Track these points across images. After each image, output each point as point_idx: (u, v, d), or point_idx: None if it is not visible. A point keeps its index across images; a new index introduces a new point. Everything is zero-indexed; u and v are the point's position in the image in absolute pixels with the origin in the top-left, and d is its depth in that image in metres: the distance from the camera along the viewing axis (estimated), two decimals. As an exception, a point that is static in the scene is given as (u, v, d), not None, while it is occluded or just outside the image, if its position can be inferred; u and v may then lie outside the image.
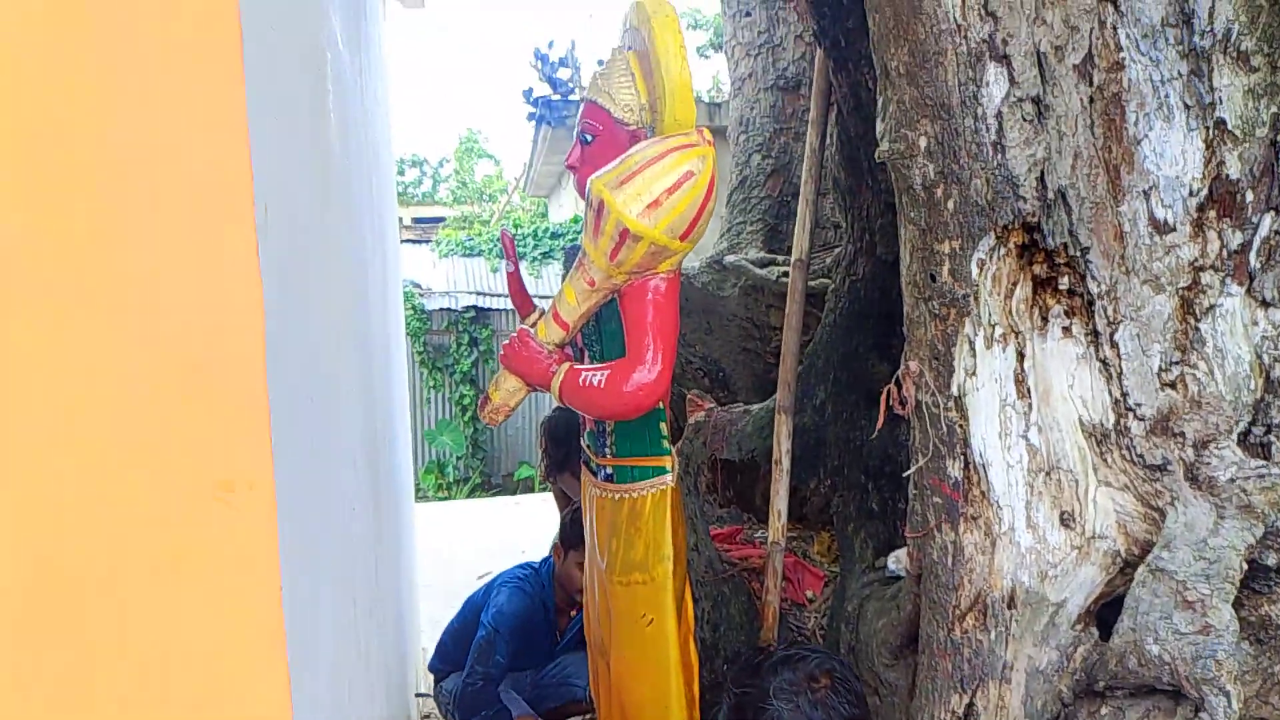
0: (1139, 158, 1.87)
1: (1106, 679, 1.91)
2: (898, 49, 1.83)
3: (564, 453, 3.02)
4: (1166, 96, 1.81)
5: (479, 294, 10.60)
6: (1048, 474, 2.01)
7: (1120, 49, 1.76)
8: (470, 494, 10.19)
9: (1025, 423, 2.01)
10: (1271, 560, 1.82)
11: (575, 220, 10.81)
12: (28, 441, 0.88)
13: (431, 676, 2.99)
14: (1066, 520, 2.00)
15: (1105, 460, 2.00)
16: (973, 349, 1.95)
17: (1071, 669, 1.99)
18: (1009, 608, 1.99)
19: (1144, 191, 1.85)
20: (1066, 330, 1.99)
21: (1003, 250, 1.88)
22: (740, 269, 3.41)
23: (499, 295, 10.45)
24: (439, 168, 19.59)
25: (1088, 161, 1.84)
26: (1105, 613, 2.01)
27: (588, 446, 1.92)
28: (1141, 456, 1.96)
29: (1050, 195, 1.83)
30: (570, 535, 2.59)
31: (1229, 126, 1.79)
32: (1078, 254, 1.88)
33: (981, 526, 2.01)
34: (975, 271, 1.89)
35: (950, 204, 1.80)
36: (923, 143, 1.78)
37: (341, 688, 1.38)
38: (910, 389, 2.00)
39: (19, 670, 0.89)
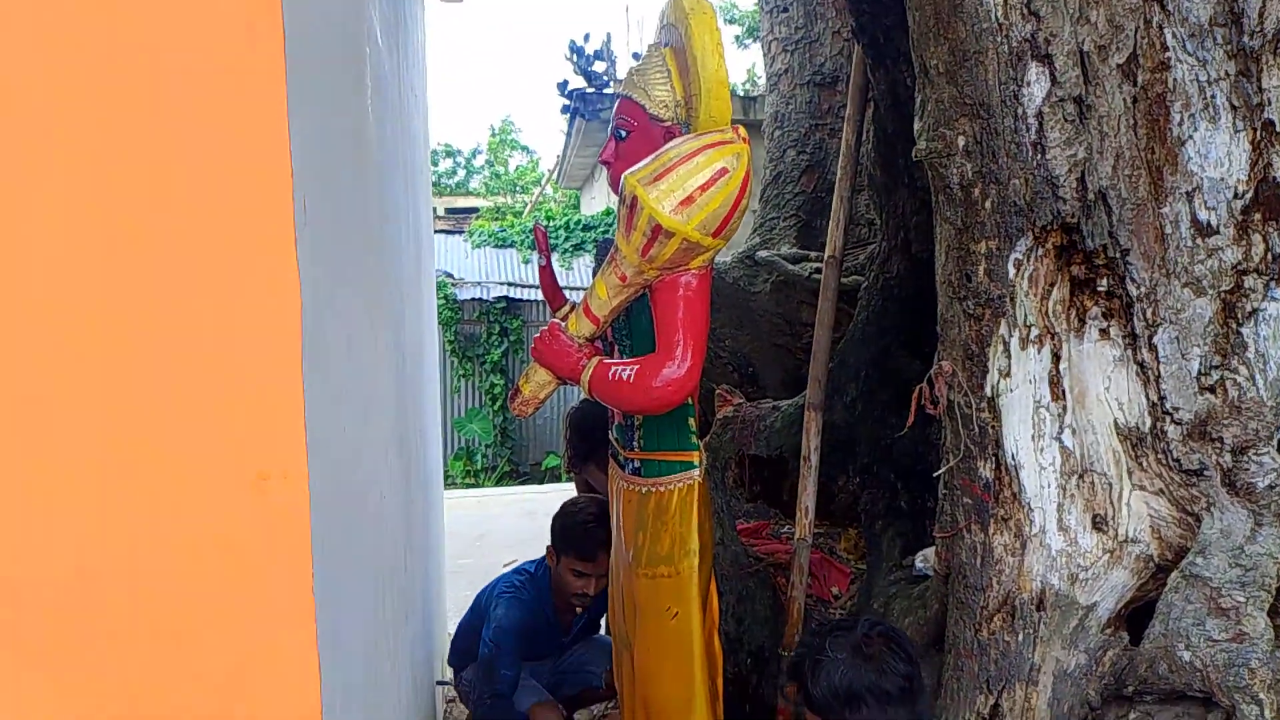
0: (1183, 159, 1.84)
1: (1135, 684, 1.89)
2: (937, 47, 1.81)
3: (588, 446, 3.02)
4: (1213, 97, 1.78)
5: (510, 285, 10.66)
6: (1081, 476, 1.99)
7: (1166, 49, 1.73)
8: (498, 482, 10.27)
9: (1059, 425, 1.99)
10: (1310, 570, 1.79)
11: (607, 213, 10.82)
12: (72, 432, 0.91)
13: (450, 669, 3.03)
14: (1099, 523, 1.98)
15: (1140, 464, 1.98)
16: (1007, 350, 1.94)
17: (1100, 673, 1.98)
18: (1038, 610, 1.98)
19: (1187, 193, 1.82)
20: (1104, 332, 1.97)
21: (1040, 251, 1.86)
22: (772, 265, 3.40)
23: (530, 286, 10.50)
24: (472, 158, 19.70)
25: (1130, 162, 1.82)
26: (1136, 617, 1.99)
27: (616, 440, 1.93)
28: (1178, 461, 1.93)
29: (1090, 196, 1.81)
30: (565, 545, 2.58)
31: (1278, 128, 1.75)
32: (1117, 255, 1.86)
33: (1011, 528, 1.99)
34: (1012, 272, 1.87)
35: (988, 204, 1.78)
36: (961, 142, 1.77)
37: (370, 673, 1.40)
38: (942, 389, 1.98)
39: (60, 652, 0.91)
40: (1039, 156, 1.73)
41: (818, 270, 2.97)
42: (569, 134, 10.69)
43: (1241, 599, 1.77)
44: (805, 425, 2.60)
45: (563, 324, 1.82)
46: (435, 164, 18.98)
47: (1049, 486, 1.99)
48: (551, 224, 11.48)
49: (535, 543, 2.92)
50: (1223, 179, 1.79)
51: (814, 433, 2.59)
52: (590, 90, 9.70)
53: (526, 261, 11.07)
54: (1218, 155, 1.79)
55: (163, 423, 0.92)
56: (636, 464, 1.86)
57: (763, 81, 3.99)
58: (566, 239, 11.20)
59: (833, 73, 3.45)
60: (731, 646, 2.85)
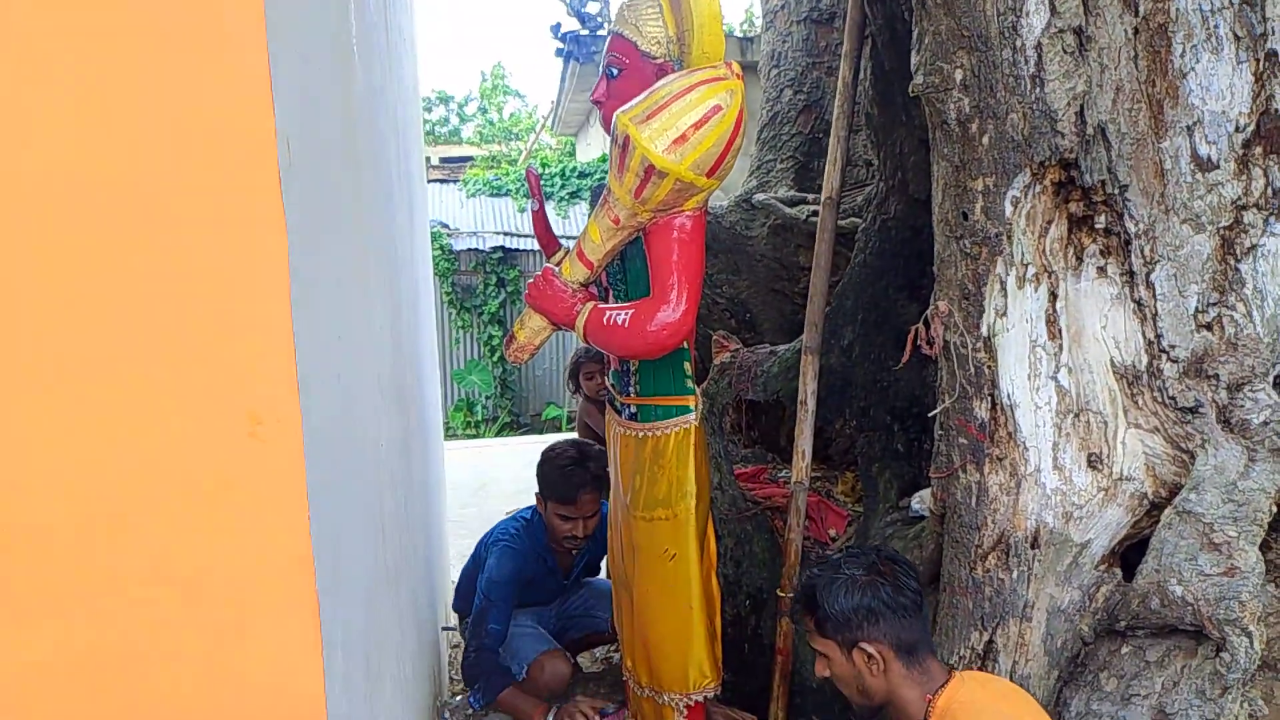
0: (1184, 92, 1.81)
1: (1128, 619, 1.91)
2: (934, -23, 1.77)
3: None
4: (1216, 27, 1.74)
5: (506, 234, 10.58)
6: (1076, 415, 1.99)
7: (1168, -24, 1.69)
8: (498, 433, 10.32)
9: (1055, 364, 1.99)
10: (1302, 504, 1.80)
11: (603, 159, 10.69)
12: (65, 381, 0.90)
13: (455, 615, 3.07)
14: (1094, 462, 1.99)
15: (1136, 402, 1.98)
16: (1004, 289, 1.92)
17: (1093, 608, 2.00)
18: (1032, 548, 2.00)
19: (1187, 127, 1.80)
20: (1101, 270, 1.96)
21: (1038, 188, 1.84)
22: (769, 208, 3.37)
23: (526, 236, 10.42)
24: (464, 105, 19.40)
25: (1130, 96, 1.79)
26: (1129, 554, 2.01)
27: (612, 385, 1.93)
28: (1174, 399, 1.93)
29: (1089, 131, 1.78)
30: (548, 490, 2.61)
31: (1280, 58, 1.72)
32: (1116, 192, 1.83)
33: (1007, 467, 2.00)
34: (1009, 209, 1.85)
35: (985, 139, 1.76)
36: (958, 75, 1.73)
37: (371, 616, 1.42)
38: (938, 329, 1.98)
39: (64, 588, 0.92)
40: (1037, 90, 1.70)
41: (815, 213, 2.94)
42: (563, 78, 10.51)
43: (1234, 534, 1.79)
44: (802, 369, 2.60)
45: (556, 269, 1.80)
46: (428, 111, 18.68)
47: (1044, 425, 2.00)
48: (547, 171, 11.35)
49: (534, 490, 2.94)
50: (1224, 112, 1.77)
51: (810, 377, 2.59)
52: (584, 33, 9.50)
53: (522, 210, 10.97)
54: (1219, 88, 1.76)
55: (153, 369, 0.92)
56: (633, 409, 1.86)
57: (760, 22, 3.91)
58: (562, 186, 11.09)
59: (830, 9, 3.37)
60: (730, 589, 2.89)
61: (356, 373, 1.37)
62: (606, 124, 1.74)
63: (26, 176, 0.87)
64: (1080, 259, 1.95)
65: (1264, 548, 1.80)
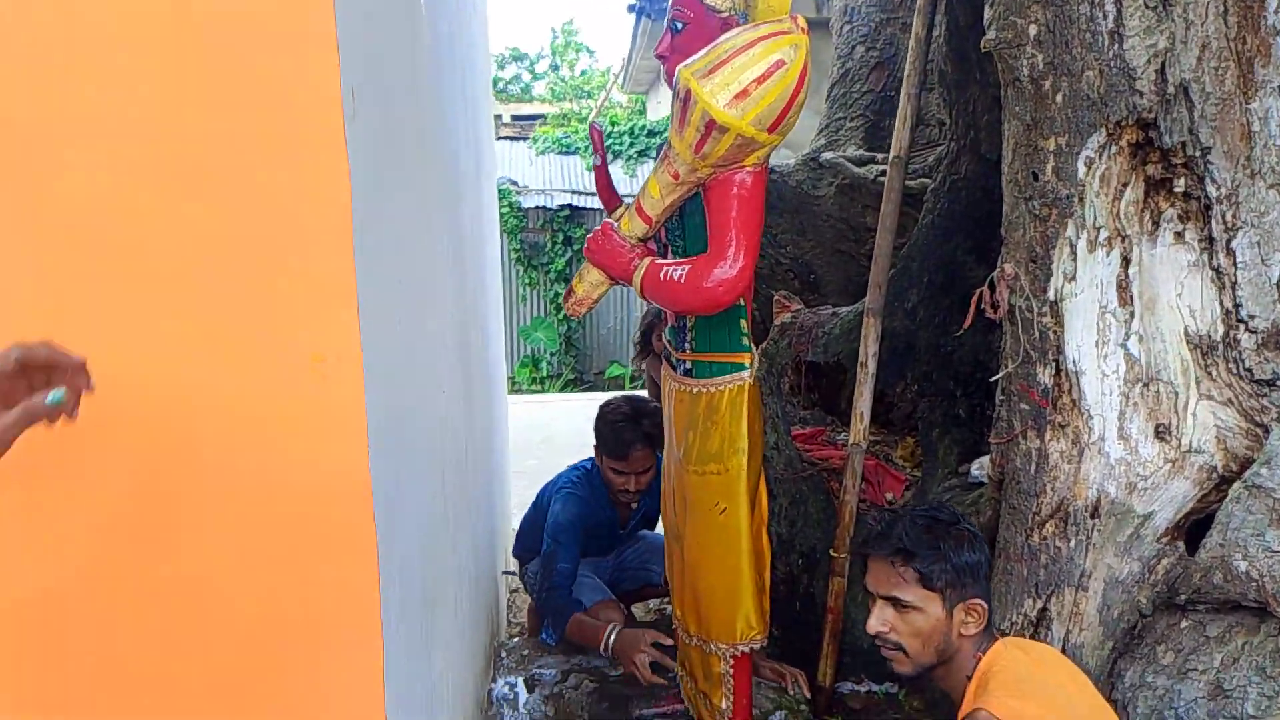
0: (1276, 50, 1.73)
1: (1189, 593, 1.88)
2: (1011, -73, 1.71)
3: (651, 342, 3.12)
4: (1315, -21, 1.65)
5: (574, 193, 10.60)
6: (1146, 385, 1.94)
7: (1264, -76, 1.61)
8: (562, 389, 10.44)
9: (1125, 331, 1.94)
10: (1380, 482, 1.73)
11: (673, 117, 10.58)
12: (137, 317, 0.96)
13: (515, 561, 3.15)
14: (1162, 433, 1.94)
15: (1209, 373, 1.92)
16: (1074, 252, 1.88)
17: (1152, 581, 1.97)
18: (1092, 517, 1.96)
19: (1278, 88, 1.72)
20: (1179, 236, 1.89)
21: (1114, 148, 1.78)
22: (837, 167, 3.31)
23: (594, 194, 10.40)
24: (535, 62, 19.36)
25: (1216, 54, 1.71)
26: (1192, 528, 1.96)
27: (668, 342, 1.94)
28: (1250, 370, 1.87)
29: (1170, 90, 1.71)
30: (602, 444, 2.67)
31: (1383, 12, 1.62)
32: (1197, 154, 1.76)
33: (1069, 435, 1.97)
34: (1082, 170, 1.80)
35: (1059, 97, 1.70)
36: (1032, 31, 1.68)
37: (429, 553, 1.47)
38: (1004, 292, 1.94)
39: (133, 524, 0.99)
40: (1115, 46, 1.64)
41: (883, 173, 2.89)
42: (634, 35, 10.40)
43: (1305, 510, 1.74)
44: (864, 331, 2.58)
45: (615, 224, 1.82)
46: (501, 69, 18.72)
47: (1111, 394, 1.95)
48: (615, 129, 11.30)
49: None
50: (1320, 71, 1.68)
51: (872, 339, 2.56)
52: (657, -11, 9.38)
53: (589, 169, 10.97)
54: (1316, 45, 1.67)
55: (221, 307, 0.97)
56: (688, 365, 1.88)
57: (834, -25, 3.81)
58: (631, 145, 11.04)
59: (907, -37, 3.28)
60: (784, 548, 2.91)
61: (417, 319, 1.41)
62: (670, 79, 1.73)
63: (112, 127, 0.92)
64: (1156, 223, 1.89)
65: (1337, 526, 1.74)
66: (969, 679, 1.53)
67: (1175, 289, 1.90)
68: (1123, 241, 1.88)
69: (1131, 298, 1.92)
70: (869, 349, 2.58)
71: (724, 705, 1.94)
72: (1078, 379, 1.94)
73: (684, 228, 1.78)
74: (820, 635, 2.65)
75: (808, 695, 2.50)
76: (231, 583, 1.01)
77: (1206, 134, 1.74)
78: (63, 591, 0.98)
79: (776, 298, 3.15)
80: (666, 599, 3.16)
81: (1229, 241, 1.84)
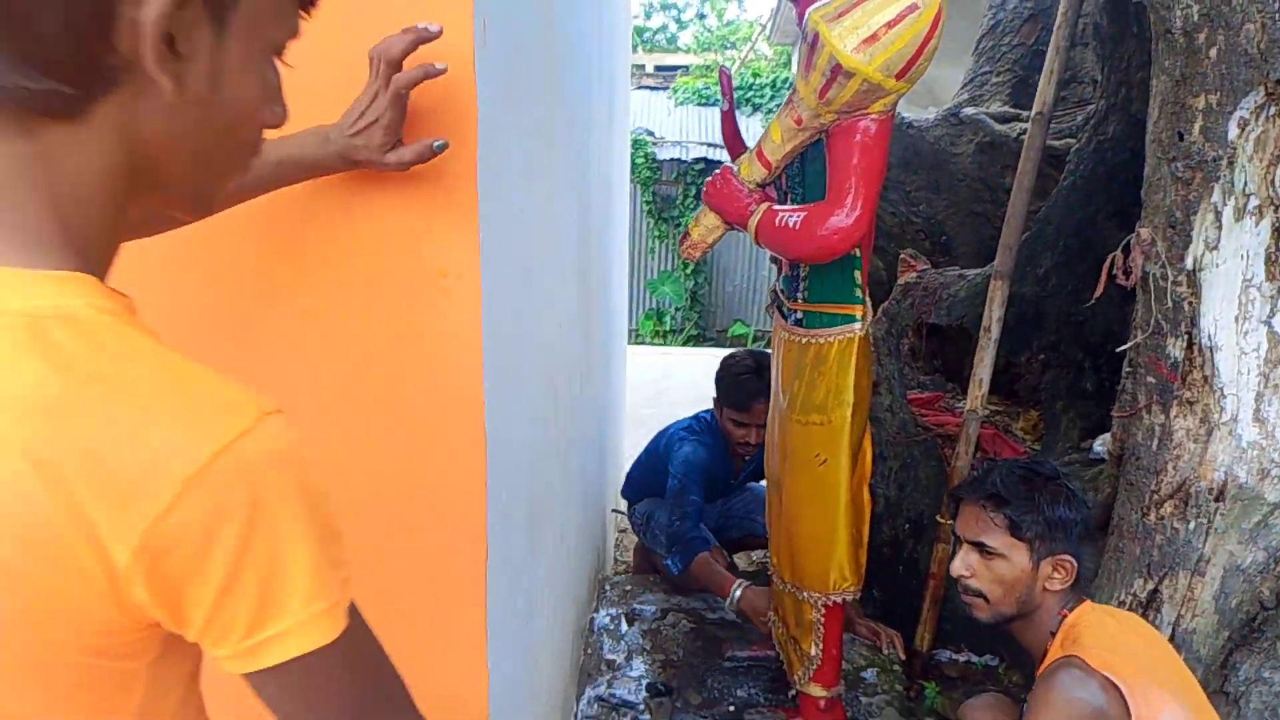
0: None
1: (1316, 586, 1.78)
2: None
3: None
4: None
5: (710, 145, 10.51)
6: (1290, 367, 1.83)
7: None
8: (684, 344, 10.51)
9: (1271, 308, 1.82)
10: None
11: (817, 73, 10.30)
12: (281, 229, 1.06)
13: (624, 501, 3.26)
14: (1304, 419, 1.83)
15: (1364, 359, 1.79)
16: (1218, 219, 1.77)
17: (1278, 572, 1.87)
18: (1216, 500, 1.88)
19: None
20: (1343, 208, 1.75)
21: (1272, 109, 1.66)
22: (978, 124, 3.19)
23: (731, 148, 10.30)
24: (682, 11, 19.17)
25: (1401, 5, 1.56)
26: (1329, 519, 1.85)
27: (781, 291, 1.95)
28: None
29: (1345, 45, 1.58)
30: (721, 394, 2.72)
31: None
32: (1369, 118, 1.63)
33: (1198, 413, 1.88)
34: (1234, 132, 1.69)
35: (1213, 52, 1.60)
36: (1190, -22, 1.58)
37: (536, 469, 1.56)
38: (1138, 258, 1.85)
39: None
40: (1286, -3, 1.53)
41: (1026, 131, 2.77)
42: (785, -18, 10.16)
43: None
44: (989, 294, 2.50)
45: (735, 168, 1.83)
46: (648, 18, 18.66)
47: (1249, 373, 1.85)
48: (757, 81, 11.12)
49: (711, 399, 3.06)
50: None
51: (998, 303, 2.49)
52: (808, -62, 9.10)
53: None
54: None
55: (353, 225, 1.06)
56: (799, 315, 1.89)
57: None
58: (773, 98, 10.84)
59: (1072, -91, 3.08)
60: (891, 510, 2.89)
61: (536, 248, 1.48)
62: (801, 21, 1.72)
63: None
64: (1318, 193, 1.76)
65: None
66: (1052, 635, 1.52)
67: (1334, 266, 1.77)
68: (1276, 211, 1.76)
69: (1282, 272, 1.80)
70: (994, 314, 2.51)
71: (813, 652, 1.98)
72: (1212, 354, 1.84)
73: (804, 175, 1.78)
74: (921, 601, 2.63)
75: (902, 657, 2.50)
76: (347, 479, 1.11)
77: (1384, 96, 1.60)
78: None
79: (902, 256, 3.09)
80: (766, 551, 3.20)
81: (1402, 216, 1.70)
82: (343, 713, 0.56)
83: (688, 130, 10.85)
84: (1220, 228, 1.76)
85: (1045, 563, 1.57)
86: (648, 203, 10.62)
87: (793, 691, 2.08)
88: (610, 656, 2.43)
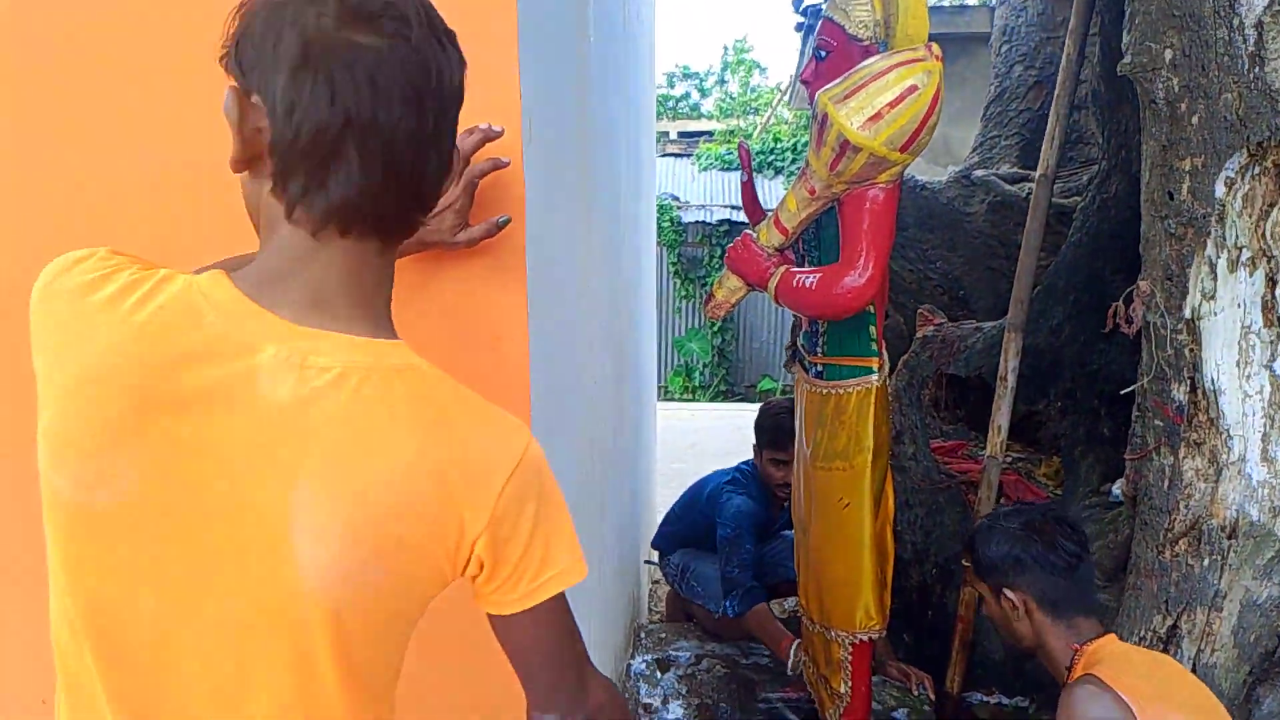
0: None
1: (1328, 619, 1.84)
2: (1148, -44, 1.76)
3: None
4: None
5: (733, 208, 10.78)
6: (1292, 408, 1.92)
7: None
8: (712, 399, 10.62)
9: (1271, 353, 1.92)
10: None
11: (836, 134, 10.57)
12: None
13: (656, 553, 3.35)
14: (1309, 458, 1.91)
15: (1363, 399, 1.88)
16: (1213, 271, 1.89)
17: (1293, 607, 1.93)
18: (1229, 538, 1.96)
19: None
20: (1331, 257, 1.86)
21: (1257, 169, 1.79)
22: (989, 184, 3.34)
23: (755, 209, 10.54)
24: (704, 78, 19.70)
25: (1366, 73, 1.69)
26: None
27: (802, 346, 2.09)
28: (1403, 397, 1.82)
29: (1316, 110, 1.71)
30: (760, 438, 2.83)
31: None
32: (1346, 174, 1.75)
33: (1205, 453, 1.97)
34: (1222, 190, 1.81)
35: (1194, 119, 1.74)
36: (1168, 55, 1.72)
37: (577, 511, 1.69)
38: (1139, 308, 1.97)
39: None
40: (1256, 69, 1.66)
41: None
42: (801, 53, 10.48)
43: None
44: (1004, 346, 2.62)
45: (755, 235, 1.98)
46: (670, 87, 19.17)
47: (1254, 415, 1.94)
48: (779, 145, 11.42)
49: (742, 454, 3.18)
50: None
51: (1012, 353, 2.60)
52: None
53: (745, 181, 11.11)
54: None
55: (416, 297, 1.21)
56: (819, 368, 2.01)
57: (997, -8, 3.81)
58: (793, 161, 11.11)
59: (1071, -18, 3.26)
60: (918, 557, 2.97)
61: (574, 312, 1.63)
62: (812, 102, 1.89)
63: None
64: (1306, 244, 1.87)
65: None
66: (1068, 669, 1.60)
67: (1328, 312, 1.87)
68: (1269, 262, 1.88)
69: (1278, 319, 1.91)
70: (1009, 364, 2.62)
71: (843, 689, 2.06)
72: (1216, 398, 1.94)
73: (819, 239, 1.93)
74: (950, 644, 2.70)
75: (932, 698, 2.56)
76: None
77: (1359, 154, 1.72)
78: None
79: (920, 311, 3.22)
80: (797, 598, 3.28)
81: (1387, 263, 1.80)
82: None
83: (712, 194, 11.13)
84: (1215, 279, 1.87)
85: (1001, 599, 1.69)
86: (674, 264, 10.86)
87: (825, 731, 2.16)
88: (647, 700, 2.51)
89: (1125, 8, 1.81)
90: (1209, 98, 1.70)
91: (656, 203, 9.22)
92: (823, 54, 1.93)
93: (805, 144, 11.31)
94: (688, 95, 19.62)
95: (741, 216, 10.57)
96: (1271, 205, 1.85)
